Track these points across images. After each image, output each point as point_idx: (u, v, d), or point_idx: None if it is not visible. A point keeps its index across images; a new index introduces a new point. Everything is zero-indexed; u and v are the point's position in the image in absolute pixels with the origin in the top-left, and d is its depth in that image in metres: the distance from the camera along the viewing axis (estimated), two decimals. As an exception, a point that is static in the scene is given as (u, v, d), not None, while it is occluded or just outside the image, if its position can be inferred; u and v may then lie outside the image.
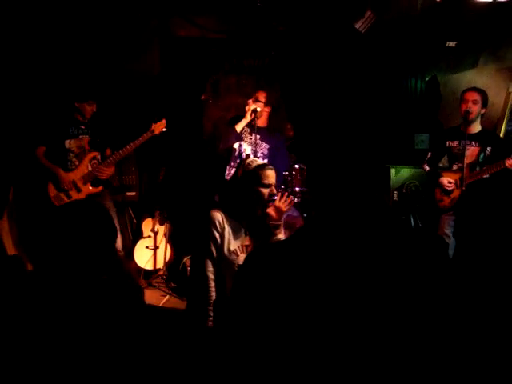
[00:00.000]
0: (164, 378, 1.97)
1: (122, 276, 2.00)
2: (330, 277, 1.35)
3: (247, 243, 3.11)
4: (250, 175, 3.13)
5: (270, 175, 3.13)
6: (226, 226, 3.08)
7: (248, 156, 4.95)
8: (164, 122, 4.97)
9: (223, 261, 3.06)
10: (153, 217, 5.74)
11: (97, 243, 1.90)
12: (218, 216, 3.09)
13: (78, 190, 4.79)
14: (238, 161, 5.00)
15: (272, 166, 3.22)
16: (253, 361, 1.37)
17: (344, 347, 1.32)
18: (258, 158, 4.97)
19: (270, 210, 3.08)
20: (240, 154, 5.10)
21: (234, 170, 4.94)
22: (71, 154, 4.85)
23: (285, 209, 3.08)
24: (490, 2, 4.32)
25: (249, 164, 3.19)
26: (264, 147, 5.12)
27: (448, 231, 4.70)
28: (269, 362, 1.34)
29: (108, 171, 4.91)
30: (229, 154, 5.09)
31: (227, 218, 3.10)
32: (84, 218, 1.92)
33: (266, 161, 4.99)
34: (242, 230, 3.13)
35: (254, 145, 4.95)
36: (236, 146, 5.07)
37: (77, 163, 4.85)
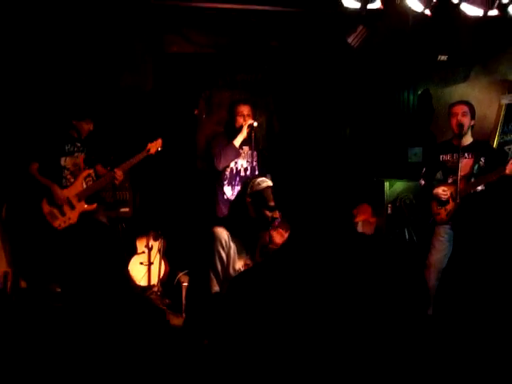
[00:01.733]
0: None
1: (143, 300, 1.95)
2: (310, 297, 1.36)
3: (249, 262, 3.07)
4: (258, 196, 3.07)
5: None
6: (232, 244, 3.00)
7: (245, 170, 4.97)
8: (160, 141, 5.00)
9: (227, 280, 2.96)
10: (147, 233, 5.71)
11: (104, 265, 1.87)
12: (224, 234, 3.00)
13: (72, 207, 4.76)
14: (237, 178, 5.01)
15: None
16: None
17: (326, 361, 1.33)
18: (254, 166, 5.02)
19: (275, 234, 3.05)
20: (238, 171, 5.08)
21: (237, 188, 4.93)
22: (66, 171, 4.83)
23: (286, 234, 3.04)
24: (481, 17, 4.36)
25: (258, 184, 3.11)
26: (255, 155, 5.06)
27: (444, 238, 4.71)
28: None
29: (122, 176, 4.91)
30: (222, 173, 5.07)
31: (231, 236, 3.03)
32: (91, 241, 1.89)
33: (257, 168, 5.05)
34: (245, 250, 3.09)
35: (250, 157, 4.97)
36: (232, 164, 5.04)
37: (72, 180, 4.82)
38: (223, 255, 2.96)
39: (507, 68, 5.62)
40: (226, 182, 5.08)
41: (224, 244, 2.97)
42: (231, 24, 5.94)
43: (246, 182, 3.25)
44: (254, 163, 5.05)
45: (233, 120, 5.09)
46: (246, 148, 5.05)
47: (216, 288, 2.96)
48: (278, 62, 6.50)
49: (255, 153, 5.06)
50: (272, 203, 3.03)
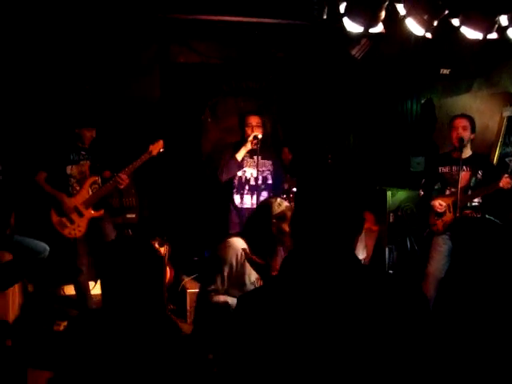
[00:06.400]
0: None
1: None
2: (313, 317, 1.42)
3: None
4: (280, 216, 3.27)
5: None
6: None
7: (256, 179, 5.07)
8: (161, 142, 4.96)
9: (244, 289, 3.16)
10: (153, 239, 5.79)
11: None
12: (240, 245, 3.20)
13: (81, 215, 4.85)
14: (246, 187, 5.10)
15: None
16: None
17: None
18: (265, 176, 5.18)
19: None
20: (247, 179, 5.15)
21: (247, 196, 5.13)
22: (72, 180, 4.90)
23: None
24: (481, 40, 4.38)
25: (279, 204, 3.32)
26: (268, 164, 5.23)
27: (442, 249, 4.78)
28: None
29: (127, 180, 4.93)
30: (231, 181, 5.18)
31: (250, 249, 3.21)
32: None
33: (269, 177, 5.21)
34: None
35: (257, 165, 5.03)
36: (240, 173, 5.15)
37: (78, 188, 4.90)
38: (234, 265, 3.17)
39: (509, 81, 5.67)
40: (234, 191, 5.18)
41: (239, 255, 3.17)
42: (237, 35, 6.02)
43: (266, 203, 3.48)
44: (266, 172, 5.18)
45: (242, 131, 5.19)
46: (255, 158, 5.10)
47: (217, 298, 3.12)
48: (283, 71, 6.59)
49: (267, 161, 5.20)
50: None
